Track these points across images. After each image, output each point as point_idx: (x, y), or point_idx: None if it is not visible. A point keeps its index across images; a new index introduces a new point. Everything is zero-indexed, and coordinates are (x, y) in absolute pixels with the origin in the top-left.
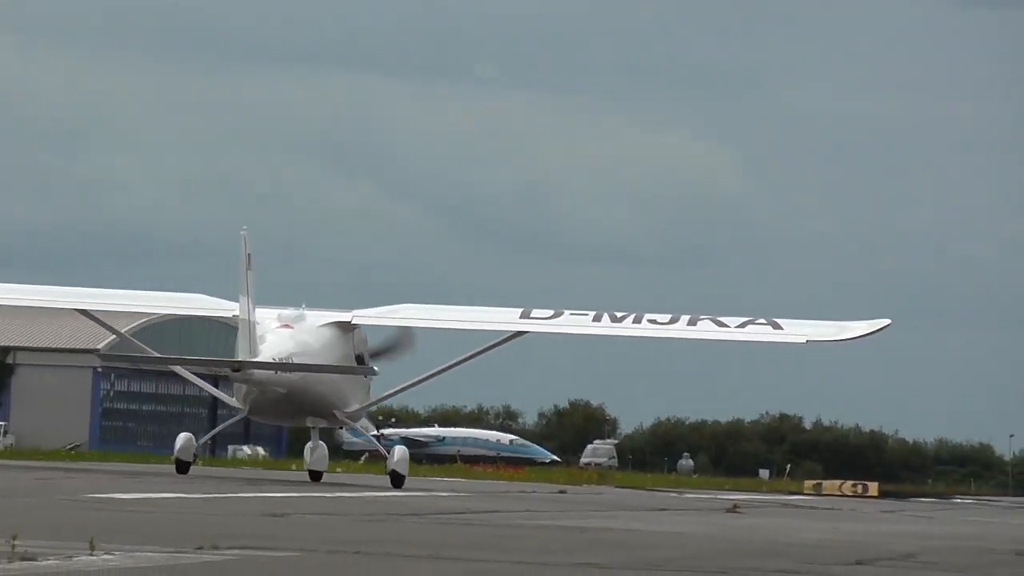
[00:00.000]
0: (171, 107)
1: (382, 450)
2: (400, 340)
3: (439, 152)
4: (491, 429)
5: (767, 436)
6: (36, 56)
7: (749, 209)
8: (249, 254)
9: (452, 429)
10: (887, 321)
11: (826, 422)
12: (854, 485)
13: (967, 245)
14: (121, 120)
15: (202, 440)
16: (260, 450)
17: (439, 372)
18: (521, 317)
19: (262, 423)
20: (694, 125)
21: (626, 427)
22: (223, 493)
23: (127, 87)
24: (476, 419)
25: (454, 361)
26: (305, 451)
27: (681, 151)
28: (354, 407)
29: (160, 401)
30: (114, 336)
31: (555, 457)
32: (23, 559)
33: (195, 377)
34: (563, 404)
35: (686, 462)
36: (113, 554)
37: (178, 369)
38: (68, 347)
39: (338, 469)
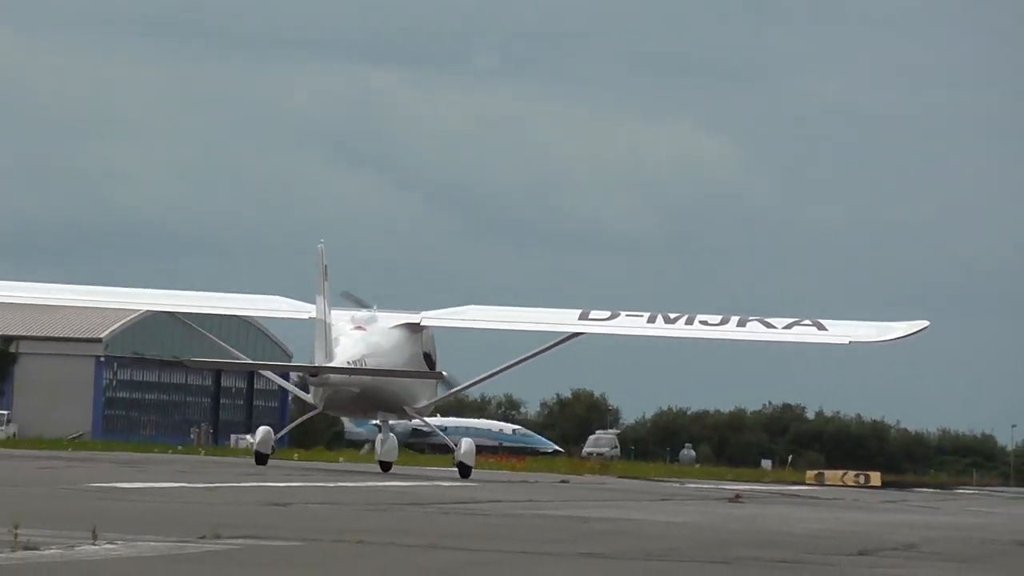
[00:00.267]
0: (179, 99)
1: (449, 442)
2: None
3: (445, 145)
4: (493, 419)
5: (769, 426)
6: (41, 48)
7: (757, 199)
8: (326, 265)
9: (454, 419)
10: (926, 323)
11: (828, 412)
12: (856, 475)
13: (969, 237)
14: (130, 111)
15: (279, 434)
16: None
17: (502, 370)
18: (580, 318)
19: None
20: (702, 116)
21: (628, 417)
22: (225, 483)
23: (140, 78)
24: (478, 409)
25: (517, 359)
26: (376, 443)
27: (690, 142)
28: (423, 403)
29: (163, 390)
30: (116, 325)
31: (557, 447)
32: (25, 548)
33: (276, 376)
34: (565, 394)
35: (688, 452)
36: (115, 543)
37: (266, 373)
38: (71, 336)
39: (340, 459)
